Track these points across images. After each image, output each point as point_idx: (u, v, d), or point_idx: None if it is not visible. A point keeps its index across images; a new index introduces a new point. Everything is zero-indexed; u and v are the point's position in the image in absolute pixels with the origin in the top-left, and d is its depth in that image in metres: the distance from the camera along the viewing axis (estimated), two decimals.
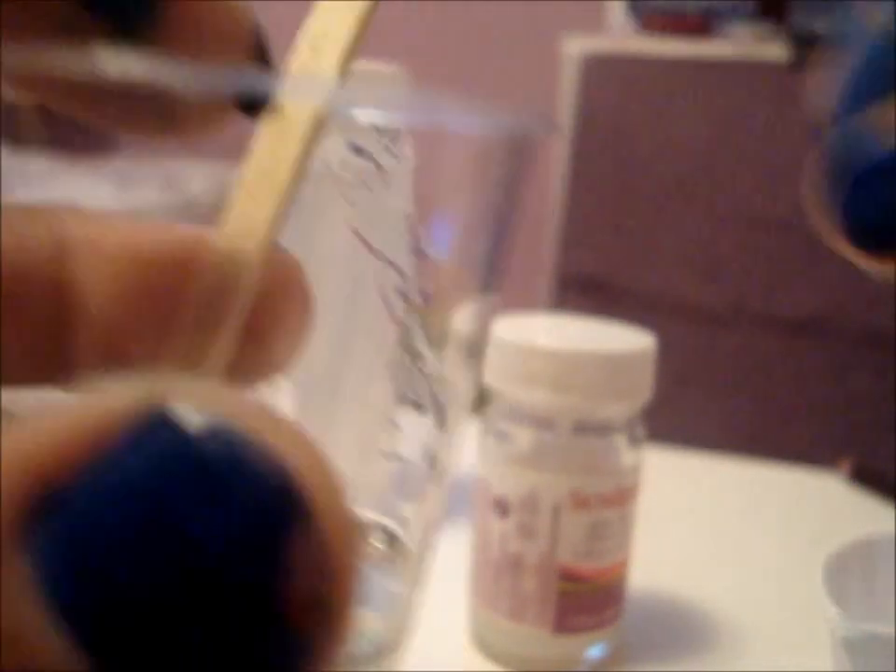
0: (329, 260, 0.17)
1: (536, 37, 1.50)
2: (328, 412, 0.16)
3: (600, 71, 1.03)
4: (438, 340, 0.16)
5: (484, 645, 0.34)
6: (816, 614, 0.39)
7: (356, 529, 0.09)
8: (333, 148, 0.14)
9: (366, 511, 0.17)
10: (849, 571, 0.28)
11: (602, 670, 0.33)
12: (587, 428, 0.31)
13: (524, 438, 0.32)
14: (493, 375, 0.32)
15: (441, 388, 0.16)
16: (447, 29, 1.58)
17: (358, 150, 0.14)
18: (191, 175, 0.15)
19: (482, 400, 0.34)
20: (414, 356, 0.16)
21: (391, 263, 0.15)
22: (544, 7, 1.48)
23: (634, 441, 0.32)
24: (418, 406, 0.16)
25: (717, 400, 1.01)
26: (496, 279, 0.16)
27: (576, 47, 1.04)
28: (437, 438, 0.16)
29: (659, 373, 0.33)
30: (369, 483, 0.16)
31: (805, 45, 0.96)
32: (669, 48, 1.02)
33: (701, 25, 1.07)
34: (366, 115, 0.14)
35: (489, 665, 0.33)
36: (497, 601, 0.33)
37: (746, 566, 0.42)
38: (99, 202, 0.15)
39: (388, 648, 0.16)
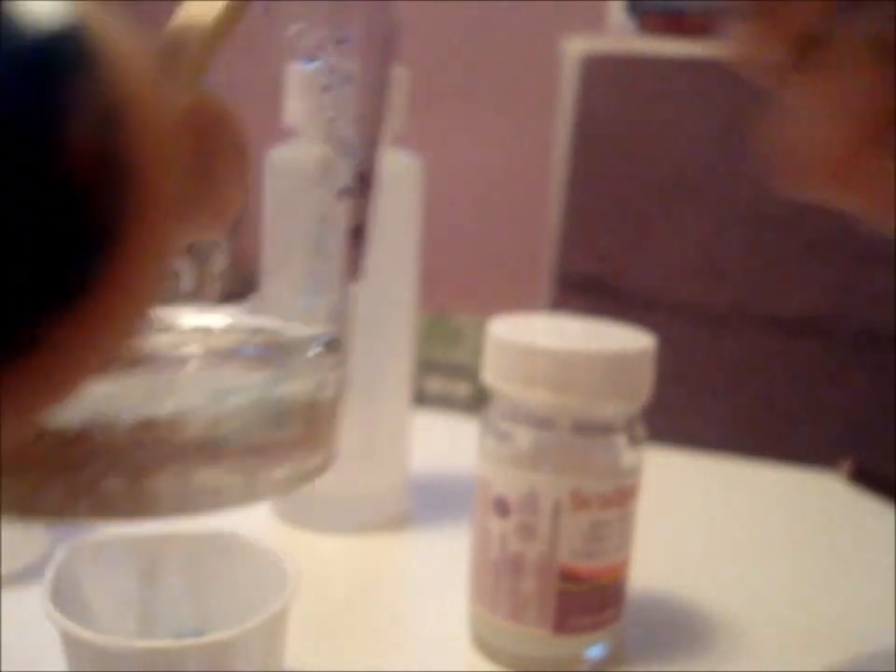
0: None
1: (536, 37, 1.50)
2: None
3: (600, 71, 1.03)
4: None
5: (484, 645, 0.34)
6: (816, 614, 0.39)
7: (166, 116, 0.08)
8: None
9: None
10: (74, 571, 0.28)
11: (602, 670, 0.33)
12: (587, 428, 0.31)
13: (524, 438, 0.32)
14: (493, 375, 0.32)
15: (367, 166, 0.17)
16: (447, 29, 1.58)
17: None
18: None
19: (482, 400, 0.34)
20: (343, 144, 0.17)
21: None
22: (544, 6, 1.48)
23: (634, 441, 0.32)
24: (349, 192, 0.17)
25: (717, 400, 1.01)
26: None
27: (576, 47, 1.04)
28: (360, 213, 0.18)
29: (659, 373, 0.33)
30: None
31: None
32: (669, 48, 1.02)
33: (701, 25, 1.07)
34: None
35: (489, 665, 0.33)
36: (497, 601, 0.33)
37: (746, 566, 0.42)
38: None
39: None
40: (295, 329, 0.17)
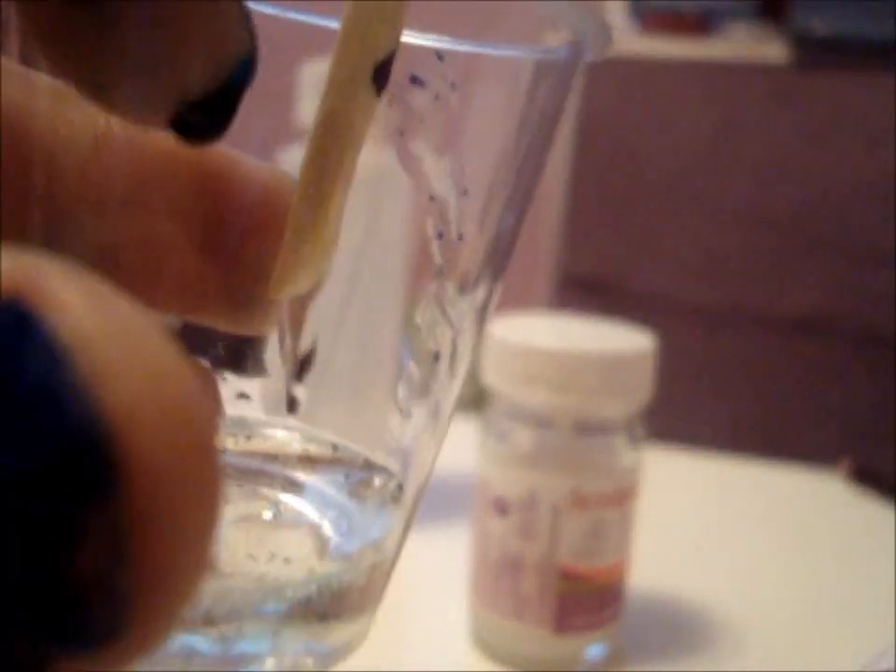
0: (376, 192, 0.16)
1: (536, 37, 1.50)
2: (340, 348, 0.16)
3: (601, 71, 1.03)
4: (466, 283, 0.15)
5: (484, 645, 0.34)
6: (816, 614, 0.39)
7: (206, 501, 0.07)
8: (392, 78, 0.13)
9: (372, 454, 0.16)
10: None
11: (602, 670, 0.33)
12: (587, 428, 0.31)
13: (524, 438, 0.32)
14: (493, 375, 0.32)
15: (459, 336, 0.15)
16: (447, 29, 1.58)
17: (416, 80, 0.14)
18: None
19: (482, 400, 0.34)
20: (441, 299, 0.15)
21: (433, 198, 0.14)
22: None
23: (634, 441, 0.32)
24: (436, 356, 0.15)
25: (716, 400, 1.01)
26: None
27: None
28: (445, 388, 0.16)
29: (659, 373, 0.33)
30: (379, 428, 0.15)
31: (806, 45, 0.96)
32: (669, 48, 1.02)
33: (701, 25, 1.07)
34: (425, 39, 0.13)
35: (489, 665, 0.33)
36: (497, 601, 0.33)
37: (746, 565, 0.42)
38: None
39: (374, 589, 0.15)
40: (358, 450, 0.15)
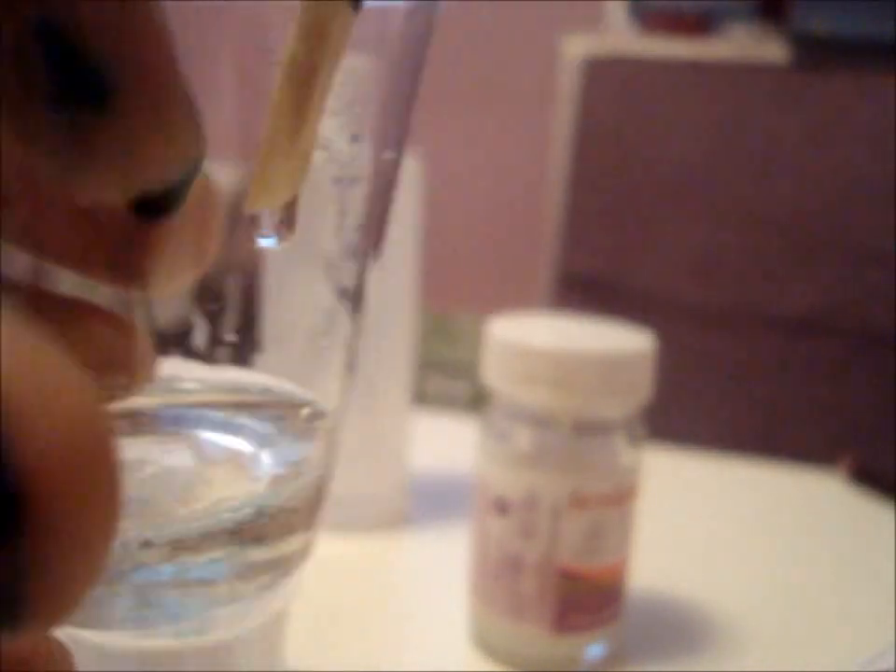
0: None
1: (536, 37, 1.50)
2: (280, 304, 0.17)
3: (600, 71, 1.03)
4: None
5: (484, 645, 0.34)
6: (815, 614, 0.39)
7: (100, 511, 0.07)
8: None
9: (298, 390, 0.17)
10: None
11: (602, 670, 0.33)
12: (587, 428, 0.31)
13: (523, 438, 0.32)
14: (493, 375, 0.32)
15: (364, 276, 0.17)
16: (447, 29, 1.58)
17: None
18: None
19: (481, 400, 0.34)
20: (349, 246, 0.16)
21: (327, 149, 0.15)
22: (544, 6, 1.48)
23: (633, 441, 0.32)
24: (348, 296, 0.17)
25: (716, 400, 1.01)
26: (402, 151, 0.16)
27: (576, 47, 1.04)
28: (354, 326, 0.17)
29: (659, 373, 0.33)
30: (306, 366, 0.17)
31: (806, 45, 0.96)
32: (669, 48, 1.02)
33: (701, 25, 1.07)
34: None
35: (489, 665, 0.33)
36: (497, 601, 0.33)
37: (746, 565, 0.42)
38: None
39: (305, 513, 0.16)
40: (297, 394, 0.17)
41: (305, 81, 0.13)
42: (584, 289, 1.05)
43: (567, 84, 1.04)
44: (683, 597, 0.39)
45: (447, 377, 1.53)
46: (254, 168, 0.13)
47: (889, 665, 0.31)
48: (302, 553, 0.16)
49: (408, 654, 0.34)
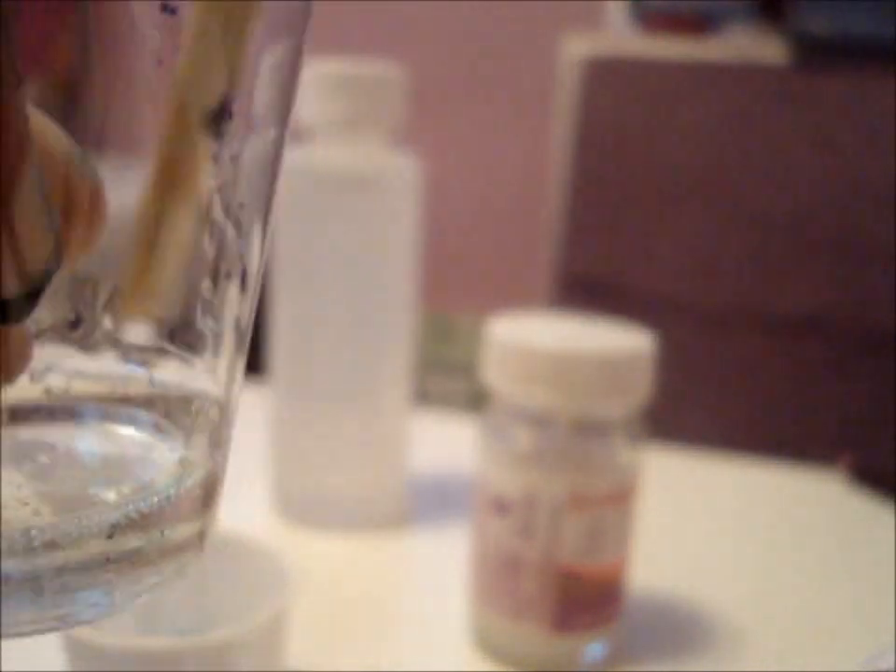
0: None
1: (536, 37, 1.50)
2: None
3: (600, 71, 1.03)
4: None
5: (484, 644, 0.34)
6: (815, 614, 0.39)
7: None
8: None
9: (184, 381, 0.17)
10: None
11: (602, 669, 0.33)
12: (586, 428, 0.31)
13: (523, 438, 0.32)
14: (493, 375, 0.32)
15: (247, 255, 0.17)
16: (447, 29, 1.58)
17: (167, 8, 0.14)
18: None
19: (481, 400, 0.34)
20: (224, 227, 0.16)
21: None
22: (544, 6, 1.48)
23: (633, 441, 0.32)
24: (228, 274, 0.17)
25: (717, 400, 1.01)
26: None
27: (576, 47, 1.04)
28: (241, 303, 0.17)
29: (659, 373, 0.33)
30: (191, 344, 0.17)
31: (806, 45, 0.96)
32: (669, 48, 1.02)
33: (701, 26, 1.07)
34: None
35: (489, 665, 0.33)
36: (497, 600, 0.33)
37: (745, 565, 0.42)
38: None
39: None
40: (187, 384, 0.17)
41: (163, 219, 0.14)
42: (584, 290, 1.05)
43: (567, 84, 1.04)
44: (683, 597, 0.39)
45: (447, 377, 1.53)
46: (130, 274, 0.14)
47: (889, 664, 0.31)
48: (199, 539, 0.17)
49: (408, 654, 0.34)
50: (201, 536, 0.17)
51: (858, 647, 0.36)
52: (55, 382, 0.16)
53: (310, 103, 0.41)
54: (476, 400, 0.34)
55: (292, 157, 0.41)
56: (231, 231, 0.16)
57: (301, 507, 0.43)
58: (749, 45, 1.03)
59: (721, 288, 1.01)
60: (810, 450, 0.61)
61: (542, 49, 1.41)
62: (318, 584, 0.38)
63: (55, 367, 0.16)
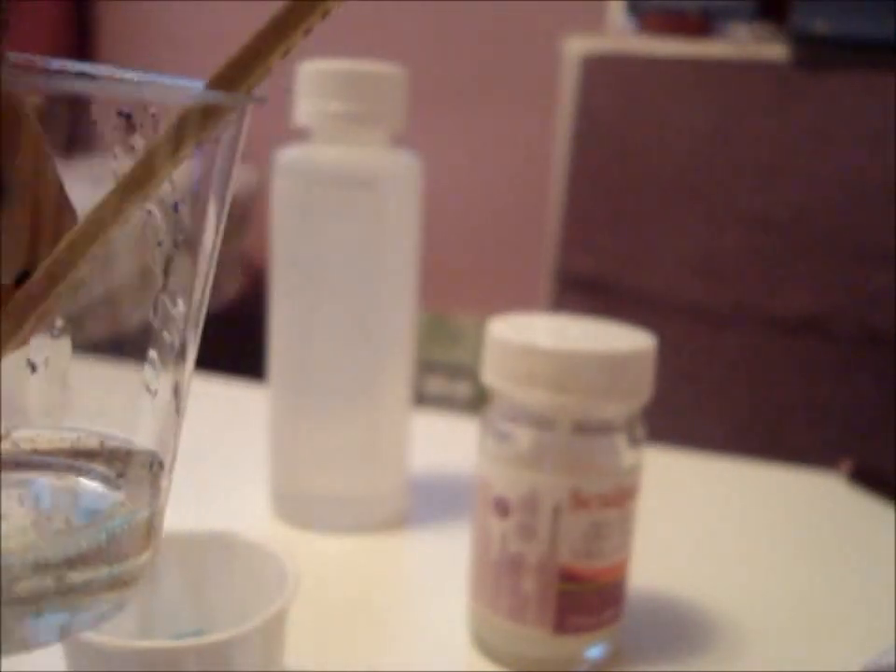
0: None
1: (536, 37, 1.50)
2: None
3: (600, 71, 1.03)
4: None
5: (484, 645, 0.34)
6: (815, 614, 0.39)
7: None
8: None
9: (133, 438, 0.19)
10: None
11: (602, 670, 0.33)
12: (587, 428, 0.31)
13: (524, 438, 0.32)
14: (493, 375, 0.32)
15: (186, 326, 0.18)
16: (447, 29, 1.58)
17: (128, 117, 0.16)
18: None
19: (481, 400, 0.34)
20: (171, 297, 0.18)
21: (151, 213, 0.17)
22: (544, 6, 1.48)
23: (634, 441, 0.32)
24: (171, 345, 0.18)
25: (717, 400, 1.01)
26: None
27: (576, 47, 1.04)
28: (182, 373, 0.19)
29: (659, 373, 0.33)
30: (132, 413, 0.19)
31: (806, 45, 0.96)
32: (669, 48, 1.02)
33: (701, 25, 1.07)
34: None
35: (489, 665, 0.33)
36: (497, 601, 0.33)
37: (746, 566, 0.42)
38: (75, 201, 0.15)
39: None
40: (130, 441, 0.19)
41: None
42: (584, 290, 1.05)
43: (567, 83, 1.04)
44: (683, 597, 0.39)
45: (447, 377, 1.53)
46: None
47: (889, 664, 0.31)
48: (143, 569, 0.19)
49: (408, 655, 0.34)
50: (143, 568, 0.19)
51: (858, 647, 0.36)
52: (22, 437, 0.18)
53: (310, 102, 0.41)
54: (476, 400, 0.34)
55: (292, 156, 0.41)
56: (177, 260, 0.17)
57: (301, 507, 0.43)
58: (749, 45, 1.03)
59: (721, 288, 1.01)
60: (810, 450, 0.61)
61: (542, 49, 1.41)
62: (318, 584, 0.38)
63: (21, 427, 0.18)
